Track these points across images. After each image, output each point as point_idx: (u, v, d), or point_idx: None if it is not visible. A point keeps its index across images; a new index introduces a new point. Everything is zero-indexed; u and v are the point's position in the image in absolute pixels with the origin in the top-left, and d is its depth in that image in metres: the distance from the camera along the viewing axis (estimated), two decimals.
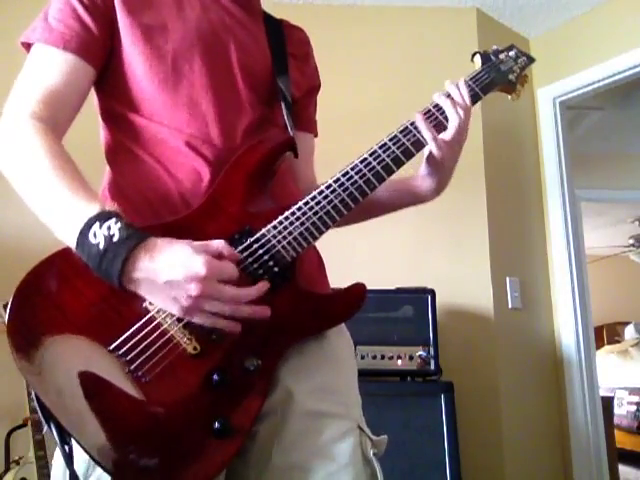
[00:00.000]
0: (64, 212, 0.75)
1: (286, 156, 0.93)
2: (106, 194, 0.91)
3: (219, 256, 0.74)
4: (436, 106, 0.94)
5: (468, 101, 0.94)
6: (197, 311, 0.72)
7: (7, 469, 1.97)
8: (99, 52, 0.88)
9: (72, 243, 0.73)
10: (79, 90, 0.87)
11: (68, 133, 0.89)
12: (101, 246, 0.70)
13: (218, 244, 0.75)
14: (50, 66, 0.85)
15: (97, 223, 0.71)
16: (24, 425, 1.99)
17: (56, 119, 0.84)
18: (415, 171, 1.00)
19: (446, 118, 0.93)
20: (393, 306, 2.04)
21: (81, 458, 0.74)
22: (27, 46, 0.89)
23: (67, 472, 0.73)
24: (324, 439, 0.81)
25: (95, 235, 0.71)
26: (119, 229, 0.71)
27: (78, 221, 0.72)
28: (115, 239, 0.70)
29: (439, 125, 0.92)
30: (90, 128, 0.98)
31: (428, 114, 0.93)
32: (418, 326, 2.00)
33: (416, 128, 0.91)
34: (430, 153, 0.93)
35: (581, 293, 2.60)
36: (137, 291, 0.73)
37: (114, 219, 0.72)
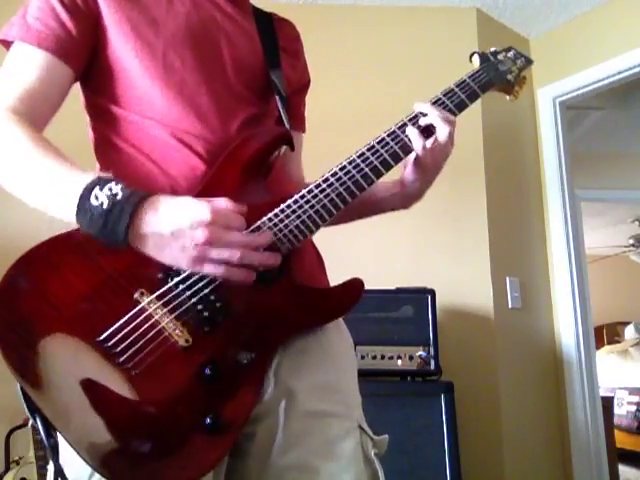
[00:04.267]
0: (59, 184, 0.74)
1: (281, 152, 0.93)
2: None
3: (224, 207, 0.74)
4: (416, 116, 0.91)
5: (448, 115, 0.91)
6: (206, 260, 0.71)
7: (7, 469, 1.97)
8: (78, 52, 0.87)
9: (71, 211, 0.72)
10: (56, 88, 0.86)
11: (58, 133, 0.88)
12: (105, 205, 0.70)
13: (222, 199, 0.75)
14: (26, 64, 0.84)
15: (97, 187, 0.71)
16: (24, 425, 1.98)
17: (33, 114, 0.83)
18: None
19: (428, 128, 0.90)
20: (393, 306, 2.04)
21: (81, 462, 0.72)
22: (5, 43, 0.88)
23: (65, 471, 0.72)
24: (325, 439, 0.81)
25: (97, 197, 0.70)
26: (121, 189, 0.71)
27: (76, 188, 0.72)
28: (119, 197, 0.70)
29: (425, 130, 0.90)
30: (80, 127, 0.97)
31: (414, 119, 0.91)
32: (418, 326, 2.00)
33: (404, 132, 0.89)
34: (415, 158, 0.91)
35: (581, 293, 2.60)
36: (143, 248, 0.72)
37: (113, 182, 0.72)
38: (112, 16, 0.88)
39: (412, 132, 0.89)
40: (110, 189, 0.71)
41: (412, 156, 0.92)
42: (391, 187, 0.99)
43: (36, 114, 0.84)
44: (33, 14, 0.87)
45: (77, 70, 0.88)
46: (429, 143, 0.89)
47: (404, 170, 0.95)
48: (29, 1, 0.89)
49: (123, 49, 0.88)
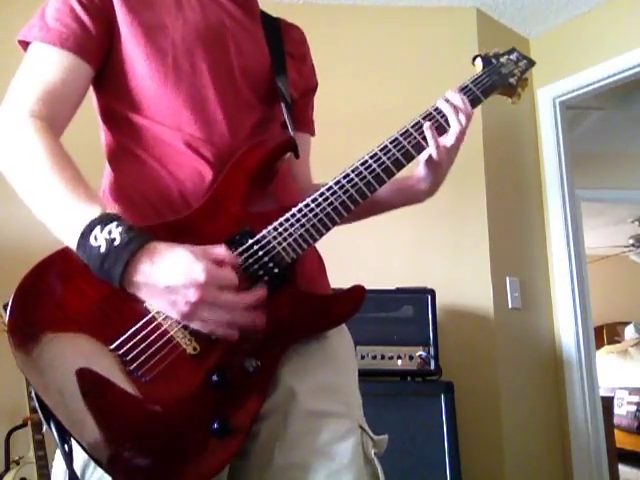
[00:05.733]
0: (64, 213, 0.75)
1: (286, 157, 0.93)
2: (107, 195, 0.91)
3: (219, 262, 0.74)
4: (437, 109, 0.94)
5: (469, 107, 0.94)
6: (195, 317, 0.73)
7: (7, 469, 1.97)
8: (97, 51, 0.88)
9: (72, 244, 0.73)
10: (77, 88, 0.87)
11: (68, 134, 0.89)
12: (102, 249, 0.70)
13: (219, 250, 0.75)
14: (47, 64, 0.85)
15: (98, 226, 0.71)
16: (24, 425, 1.99)
17: (54, 116, 0.84)
18: (410, 172, 1.00)
19: (446, 121, 0.93)
20: (393, 306, 2.04)
21: (81, 458, 0.74)
22: (25, 44, 0.89)
23: (67, 472, 0.73)
24: (326, 438, 0.81)
25: (96, 238, 0.71)
26: (120, 233, 0.71)
27: (79, 223, 0.72)
28: (116, 243, 0.70)
29: (440, 128, 0.93)
30: (90, 129, 0.97)
31: (430, 117, 0.93)
32: (418, 326, 2.00)
33: (418, 131, 0.91)
34: (429, 156, 0.93)
35: (581, 293, 2.60)
36: (137, 294, 0.73)
37: (115, 222, 0.72)
38: (125, 19, 0.89)
39: (427, 129, 0.91)
40: (110, 232, 0.71)
41: (424, 154, 0.94)
42: (397, 185, 1.01)
43: (57, 116, 0.84)
44: (52, 15, 0.87)
45: (96, 69, 0.89)
46: (443, 140, 0.92)
47: (417, 168, 0.97)
48: (46, 3, 0.89)
49: (134, 52, 0.89)
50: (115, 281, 0.71)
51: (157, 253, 0.72)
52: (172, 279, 0.71)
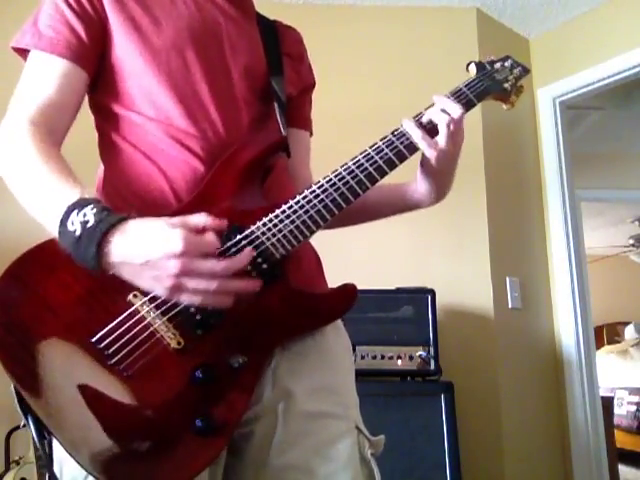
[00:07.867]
0: (50, 204, 0.75)
1: (280, 155, 0.93)
2: (100, 190, 0.91)
3: (199, 229, 0.71)
4: (421, 114, 0.92)
5: (457, 110, 0.90)
6: (181, 290, 0.69)
7: (7, 469, 1.97)
8: (90, 55, 0.89)
9: (56, 234, 0.72)
10: (73, 94, 0.88)
11: (70, 135, 0.89)
12: (77, 233, 0.69)
13: (198, 217, 0.72)
14: (42, 72, 0.86)
15: (75, 211, 0.70)
16: (24, 425, 1.98)
17: (52, 123, 0.84)
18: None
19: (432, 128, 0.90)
20: (393, 306, 2.04)
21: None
22: (19, 51, 0.90)
23: (63, 470, 0.72)
24: (322, 439, 0.81)
25: (72, 223, 0.70)
26: (94, 214, 0.69)
27: (60, 210, 0.72)
28: (89, 225, 0.69)
29: (432, 130, 0.90)
30: (88, 128, 0.97)
31: (418, 116, 0.91)
32: (418, 326, 2.00)
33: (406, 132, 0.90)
34: (424, 156, 0.91)
35: (581, 293, 2.60)
36: (120, 275, 0.71)
37: (91, 205, 0.71)
38: (116, 17, 0.89)
39: (414, 131, 0.89)
40: (84, 214, 0.69)
41: (421, 156, 0.92)
42: (395, 191, 1.01)
43: (55, 123, 0.85)
44: (45, 21, 0.88)
45: (91, 74, 0.90)
46: (435, 141, 0.89)
47: (417, 172, 0.96)
48: (39, 9, 0.90)
49: (126, 49, 0.89)
50: (89, 264, 0.69)
51: (130, 230, 0.70)
52: (149, 252, 0.67)
